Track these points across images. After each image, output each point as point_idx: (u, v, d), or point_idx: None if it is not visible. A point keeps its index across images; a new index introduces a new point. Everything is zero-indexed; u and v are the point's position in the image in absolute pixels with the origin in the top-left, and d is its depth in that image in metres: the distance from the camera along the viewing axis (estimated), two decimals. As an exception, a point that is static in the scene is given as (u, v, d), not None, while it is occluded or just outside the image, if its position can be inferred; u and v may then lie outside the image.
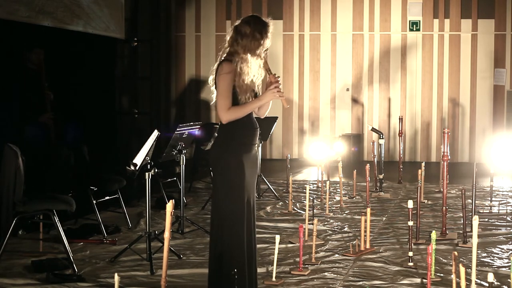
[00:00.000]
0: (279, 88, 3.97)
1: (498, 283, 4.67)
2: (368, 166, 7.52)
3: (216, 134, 4.14)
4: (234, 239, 3.96)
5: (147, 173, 5.23)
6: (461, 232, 6.06)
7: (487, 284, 4.55)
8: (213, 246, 4.03)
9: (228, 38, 4.04)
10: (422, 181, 7.69)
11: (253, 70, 4.02)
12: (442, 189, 6.70)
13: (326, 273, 4.96)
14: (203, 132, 7.81)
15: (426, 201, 7.93)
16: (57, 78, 7.40)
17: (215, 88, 4.03)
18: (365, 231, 5.63)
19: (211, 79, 4.09)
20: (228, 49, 4.02)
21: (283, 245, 5.75)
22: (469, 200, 7.02)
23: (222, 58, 4.02)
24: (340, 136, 11.88)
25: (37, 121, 6.60)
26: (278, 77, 4.02)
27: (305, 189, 6.34)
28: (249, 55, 3.98)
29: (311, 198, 7.03)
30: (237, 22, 4.05)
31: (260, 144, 8.22)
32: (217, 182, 4.06)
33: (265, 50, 4.06)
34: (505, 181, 9.08)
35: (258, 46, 3.98)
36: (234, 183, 3.97)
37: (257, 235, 5.73)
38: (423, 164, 8.30)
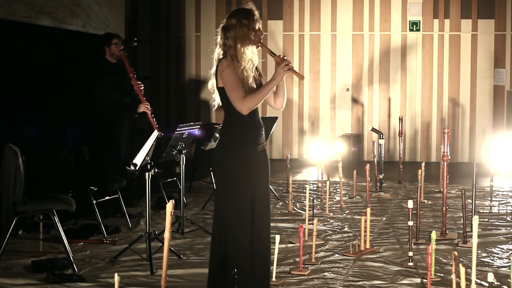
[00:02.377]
0: (289, 64, 3.87)
1: (498, 283, 4.67)
2: (368, 166, 7.52)
3: (218, 136, 4.13)
4: (237, 241, 3.93)
5: (147, 173, 5.22)
6: (461, 232, 6.06)
7: (487, 284, 4.55)
8: (215, 247, 4.00)
9: (218, 40, 4.01)
10: (422, 181, 7.69)
11: (248, 61, 3.95)
12: (442, 189, 6.70)
13: (326, 273, 4.96)
14: (203, 132, 7.81)
15: (426, 201, 7.92)
16: (57, 78, 7.40)
17: (217, 88, 4.00)
18: (365, 231, 5.63)
19: (211, 83, 4.05)
20: (220, 50, 3.99)
21: (283, 245, 5.74)
22: (469, 200, 7.02)
23: (218, 58, 4.00)
24: (340, 136, 11.88)
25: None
26: (284, 56, 3.91)
27: (305, 189, 6.34)
28: (243, 48, 3.91)
29: (311, 198, 7.03)
30: (222, 24, 4.04)
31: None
32: (219, 183, 4.05)
33: (258, 33, 3.96)
34: (505, 181, 9.07)
35: (248, 31, 3.92)
36: (235, 186, 3.94)
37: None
38: (423, 164, 8.30)
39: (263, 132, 4.07)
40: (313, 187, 9.10)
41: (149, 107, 6.69)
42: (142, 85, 6.72)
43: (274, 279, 4.71)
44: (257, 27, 3.96)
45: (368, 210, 5.77)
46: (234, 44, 3.92)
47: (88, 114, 7.67)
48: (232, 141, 3.97)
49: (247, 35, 3.92)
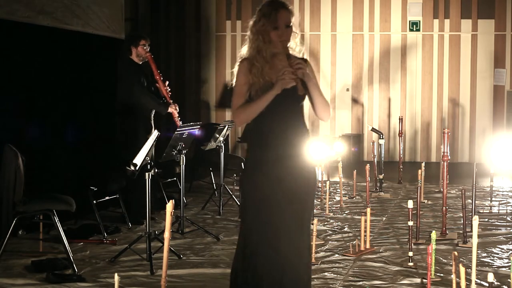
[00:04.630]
0: (292, 72, 3.28)
1: (498, 283, 4.67)
2: (368, 166, 7.52)
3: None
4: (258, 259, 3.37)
5: (147, 173, 5.22)
6: (461, 232, 6.06)
7: (487, 284, 4.55)
8: (237, 255, 3.51)
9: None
10: (422, 181, 7.69)
11: (266, 63, 3.40)
12: (442, 189, 6.70)
13: (326, 273, 4.96)
14: (203, 132, 7.80)
15: (426, 201, 7.93)
16: (57, 78, 7.40)
17: None
18: (365, 231, 5.63)
19: None
20: (245, 47, 3.49)
21: (283, 245, 5.74)
22: (469, 200, 7.02)
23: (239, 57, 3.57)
24: (340, 136, 11.88)
25: None
26: (299, 63, 3.32)
27: (305, 189, 6.32)
28: (260, 47, 3.39)
29: (311, 198, 7.01)
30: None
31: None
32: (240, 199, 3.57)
33: (280, 31, 3.40)
34: (505, 181, 9.08)
35: (267, 24, 3.38)
36: (249, 208, 3.42)
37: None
38: (423, 164, 8.30)
39: (292, 147, 3.39)
40: (313, 187, 9.08)
41: (176, 108, 6.74)
42: (169, 88, 6.72)
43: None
44: (282, 18, 3.43)
45: (368, 210, 5.77)
46: (251, 41, 3.44)
47: (89, 114, 7.68)
48: (252, 148, 3.48)
49: (267, 29, 3.39)
